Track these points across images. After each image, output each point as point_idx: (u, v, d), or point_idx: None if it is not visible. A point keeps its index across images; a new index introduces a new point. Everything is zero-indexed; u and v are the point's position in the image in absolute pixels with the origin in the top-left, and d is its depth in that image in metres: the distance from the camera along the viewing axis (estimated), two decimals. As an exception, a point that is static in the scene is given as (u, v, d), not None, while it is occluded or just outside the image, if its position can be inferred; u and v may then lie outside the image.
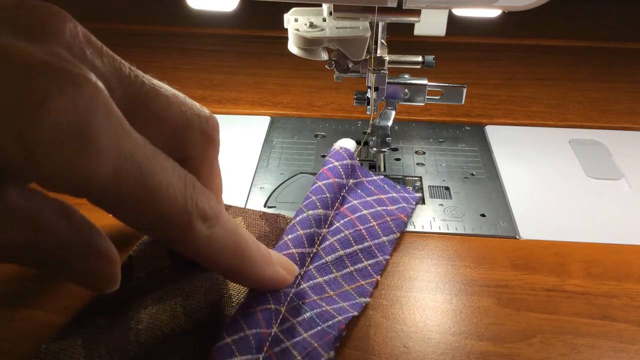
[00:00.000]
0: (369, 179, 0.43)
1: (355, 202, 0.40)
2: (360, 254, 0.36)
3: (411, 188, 0.44)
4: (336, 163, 0.41)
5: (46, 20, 0.23)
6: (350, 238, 0.37)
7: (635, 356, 0.31)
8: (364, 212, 0.39)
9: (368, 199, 0.41)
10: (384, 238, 0.38)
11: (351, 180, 0.42)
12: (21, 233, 0.23)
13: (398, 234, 0.39)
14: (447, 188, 0.45)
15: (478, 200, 0.43)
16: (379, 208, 0.40)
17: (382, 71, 0.43)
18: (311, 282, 0.34)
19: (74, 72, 0.21)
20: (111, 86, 0.25)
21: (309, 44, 0.40)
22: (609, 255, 0.38)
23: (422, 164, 0.48)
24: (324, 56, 0.42)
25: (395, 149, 0.49)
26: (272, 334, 0.30)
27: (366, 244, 0.37)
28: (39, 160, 0.21)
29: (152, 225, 0.25)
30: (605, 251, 0.38)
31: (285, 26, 0.42)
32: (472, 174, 0.46)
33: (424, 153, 0.49)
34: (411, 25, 0.42)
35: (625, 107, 0.56)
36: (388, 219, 0.39)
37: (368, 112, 0.46)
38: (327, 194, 0.39)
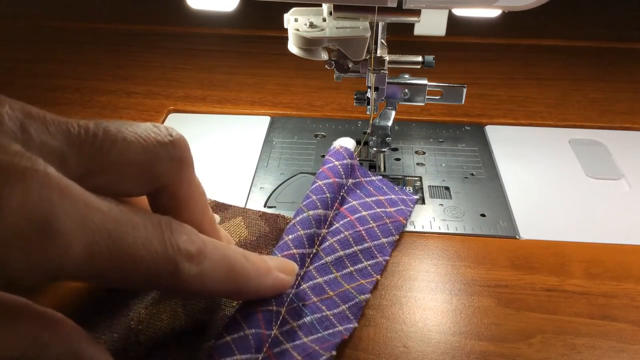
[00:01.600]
0: (368, 179, 0.43)
1: (354, 202, 0.40)
2: (360, 254, 0.36)
3: (411, 188, 0.44)
4: (336, 162, 0.41)
5: None
6: (350, 239, 0.37)
7: (635, 356, 0.31)
8: (363, 213, 0.39)
9: (367, 200, 0.41)
10: (383, 240, 0.38)
11: (350, 180, 0.42)
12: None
13: (397, 236, 0.39)
14: (447, 188, 0.45)
15: (478, 200, 0.43)
16: (378, 210, 0.40)
17: (382, 71, 0.43)
18: (311, 282, 0.34)
19: (20, 165, 0.21)
20: (64, 154, 0.24)
21: (309, 44, 0.40)
22: (609, 255, 0.38)
23: (422, 164, 0.48)
24: (324, 56, 0.42)
25: (395, 149, 0.49)
26: (272, 335, 0.30)
27: (366, 244, 0.37)
28: (5, 264, 0.20)
29: (138, 283, 0.25)
30: (605, 251, 0.38)
31: (285, 26, 0.42)
32: (472, 174, 0.46)
33: (424, 153, 0.49)
34: (411, 25, 0.42)
35: (625, 107, 0.56)
36: (387, 221, 0.39)
37: (368, 112, 0.46)
38: (327, 194, 0.39)
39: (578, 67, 0.64)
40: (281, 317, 0.31)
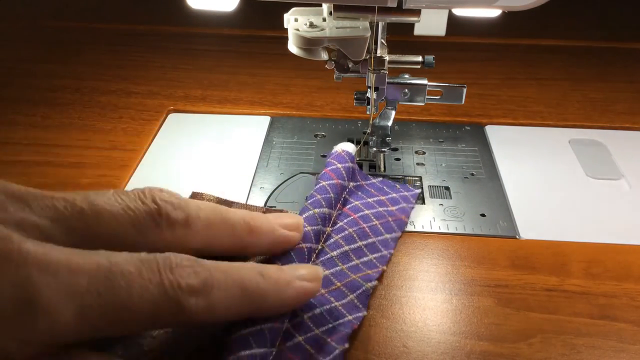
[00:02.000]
0: (369, 182, 0.43)
1: (357, 203, 0.41)
2: (364, 248, 0.37)
3: (411, 187, 0.44)
4: (339, 165, 0.41)
5: None
6: (355, 235, 0.37)
7: (635, 356, 0.31)
8: (366, 212, 0.40)
9: (369, 200, 0.41)
10: (387, 235, 0.38)
11: (352, 184, 0.42)
12: None
13: (400, 233, 0.39)
14: (447, 188, 0.45)
15: (478, 200, 0.43)
16: (380, 209, 0.40)
17: (382, 71, 0.43)
18: None
19: None
20: (48, 229, 0.24)
21: (309, 44, 0.40)
22: (609, 255, 0.38)
23: (422, 164, 0.48)
24: (324, 56, 0.42)
25: (395, 149, 0.49)
26: (284, 328, 0.31)
27: (370, 240, 0.38)
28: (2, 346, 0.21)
29: (141, 328, 0.25)
30: (605, 251, 0.38)
31: (285, 26, 0.42)
32: (472, 174, 0.46)
33: (424, 153, 0.49)
34: (411, 25, 0.42)
35: (625, 107, 0.56)
36: (390, 219, 0.40)
37: (368, 112, 0.46)
38: (331, 194, 0.39)
39: (578, 67, 0.64)
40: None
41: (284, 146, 0.50)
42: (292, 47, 0.41)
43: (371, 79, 0.44)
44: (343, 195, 0.41)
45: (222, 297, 0.26)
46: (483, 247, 0.39)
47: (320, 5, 0.42)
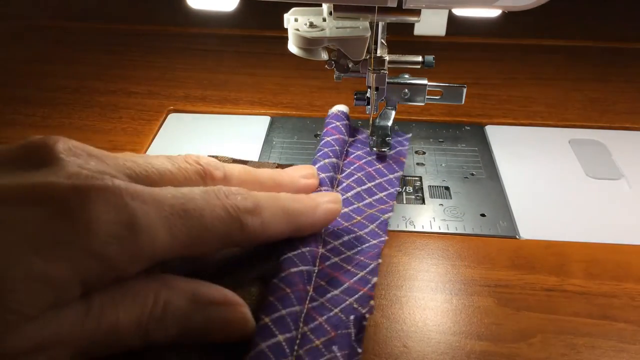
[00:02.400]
0: (363, 136, 0.48)
1: (358, 152, 0.46)
2: (374, 188, 0.42)
3: (411, 188, 0.45)
4: (337, 123, 0.46)
5: (50, 149, 0.27)
6: (363, 178, 0.43)
7: (636, 356, 0.31)
8: (368, 158, 0.45)
9: (368, 148, 0.46)
10: (390, 176, 0.44)
11: (350, 138, 0.47)
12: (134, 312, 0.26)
13: (401, 172, 0.44)
14: (447, 188, 0.45)
15: (478, 200, 0.43)
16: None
17: (382, 71, 0.44)
18: None
19: (94, 184, 0.25)
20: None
21: (309, 44, 0.40)
22: (609, 255, 0.38)
23: (422, 164, 0.48)
24: (324, 56, 0.42)
25: (395, 149, 0.49)
26: (320, 253, 0.35)
27: (377, 181, 0.43)
28: (113, 262, 0.25)
29: (215, 245, 0.30)
30: (605, 251, 0.38)
31: (285, 26, 0.42)
32: (472, 174, 0.46)
33: (424, 153, 0.49)
34: (411, 25, 0.42)
35: (625, 107, 0.56)
36: (390, 161, 0.45)
37: (368, 112, 0.46)
38: (336, 147, 0.44)
39: (578, 67, 0.64)
40: (322, 239, 0.36)
41: (284, 146, 0.50)
42: (292, 47, 0.41)
43: (371, 79, 0.44)
44: (345, 148, 0.45)
45: (270, 217, 0.31)
46: (483, 247, 0.39)
47: (320, 5, 0.42)
